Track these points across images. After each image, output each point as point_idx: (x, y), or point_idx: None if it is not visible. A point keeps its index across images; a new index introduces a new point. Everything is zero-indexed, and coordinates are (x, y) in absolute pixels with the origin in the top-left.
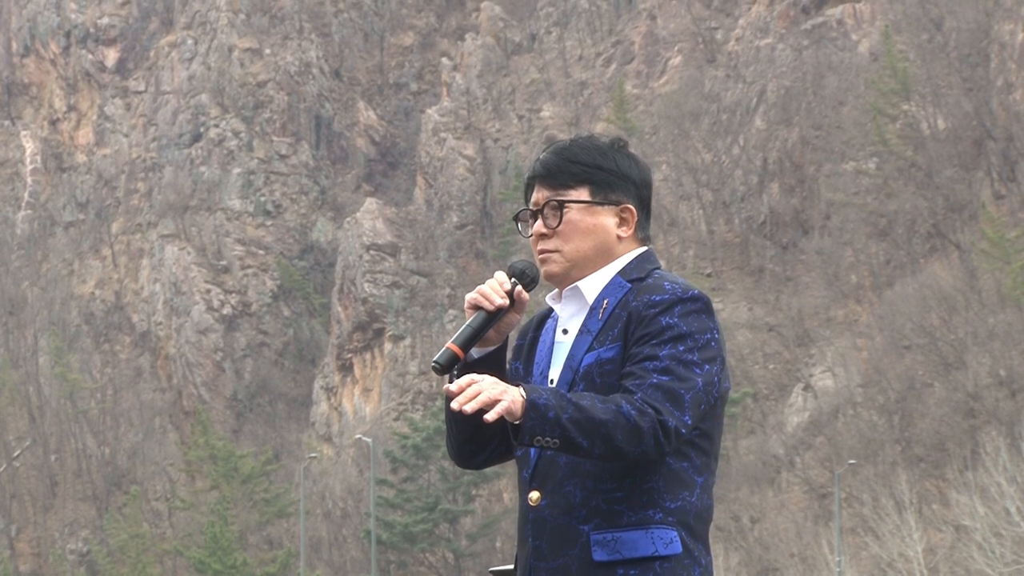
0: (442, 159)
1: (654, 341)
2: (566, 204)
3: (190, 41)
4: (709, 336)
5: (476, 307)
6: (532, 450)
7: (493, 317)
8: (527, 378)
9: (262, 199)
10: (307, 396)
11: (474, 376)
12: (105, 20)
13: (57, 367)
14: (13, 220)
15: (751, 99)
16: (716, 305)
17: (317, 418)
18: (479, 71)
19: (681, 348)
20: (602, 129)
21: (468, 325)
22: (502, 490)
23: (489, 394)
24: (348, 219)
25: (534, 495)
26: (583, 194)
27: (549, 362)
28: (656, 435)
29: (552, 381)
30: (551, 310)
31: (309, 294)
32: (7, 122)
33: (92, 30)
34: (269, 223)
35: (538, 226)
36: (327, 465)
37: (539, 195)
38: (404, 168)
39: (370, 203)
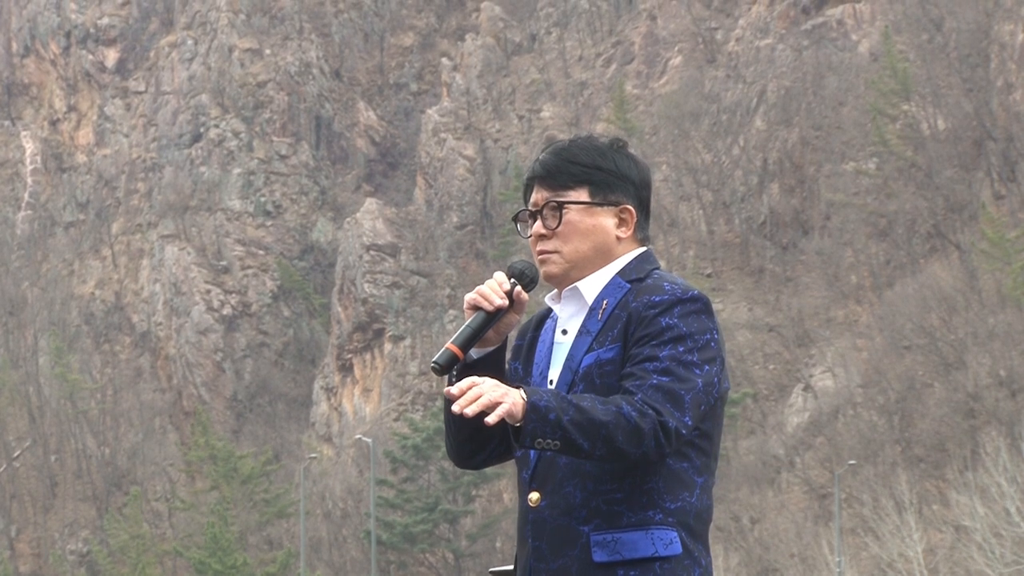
0: (442, 159)
1: (654, 342)
2: (565, 205)
3: (190, 41)
4: (709, 337)
5: (475, 307)
6: (532, 451)
7: (492, 318)
8: (526, 379)
9: (262, 199)
10: (307, 396)
11: (475, 379)
12: (105, 20)
13: (57, 367)
14: (13, 220)
15: (751, 99)
16: (716, 305)
17: (317, 418)
18: (479, 71)
19: (681, 349)
20: (602, 129)
21: (467, 326)
22: (502, 490)
23: (490, 397)
24: (348, 219)
25: (534, 496)
26: (582, 195)
27: (548, 363)
28: (657, 436)
29: (551, 382)
30: (550, 310)
31: (309, 294)
32: (7, 122)
33: (92, 30)
34: (269, 223)
35: (537, 227)
36: (327, 465)
37: (538, 196)
38: (404, 168)
39: (370, 203)
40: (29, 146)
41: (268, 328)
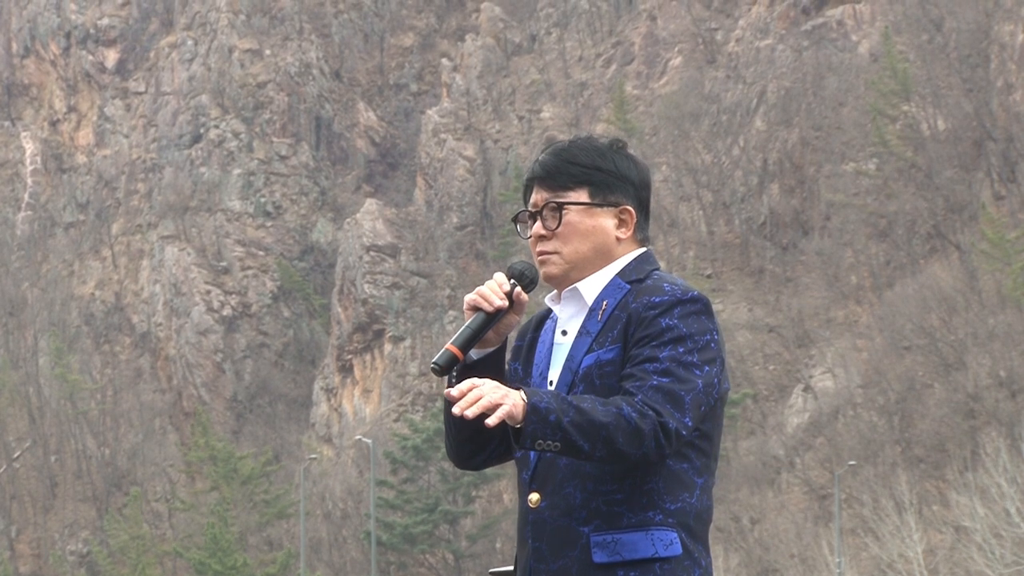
0: (442, 160)
1: (654, 343)
2: (565, 206)
3: (190, 42)
4: (709, 337)
5: (475, 308)
6: (532, 452)
7: (492, 318)
8: (526, 379)
9: (262, 200)
10: (307, 397)
11: (475, 380)
12: (105, 21)
13: (57, 368)
14: (13, 221)
15: (751, 100)
16: (716, 306)
17: (317, 419)
18: (479, 72)
19: (681, 350)
20: (602, 130)
21: (467, 326)
22: (502, 491)
23: (490, 398)
24: (348, 220)
25: (534, 497)
26: (582, 196)
27: (548, 363)
28: (657, 437)
29: (551, 382)
30: (550, 311)
31: (309, 295)
32: (7, 123)
33: (92, 31)
34: (269, 224)
35: (537, 228)
36: (327, 466)
37: (538, 196)
38: (404, 169)
39: (370, 204)
40: (29, 147)
41: (268, 329)
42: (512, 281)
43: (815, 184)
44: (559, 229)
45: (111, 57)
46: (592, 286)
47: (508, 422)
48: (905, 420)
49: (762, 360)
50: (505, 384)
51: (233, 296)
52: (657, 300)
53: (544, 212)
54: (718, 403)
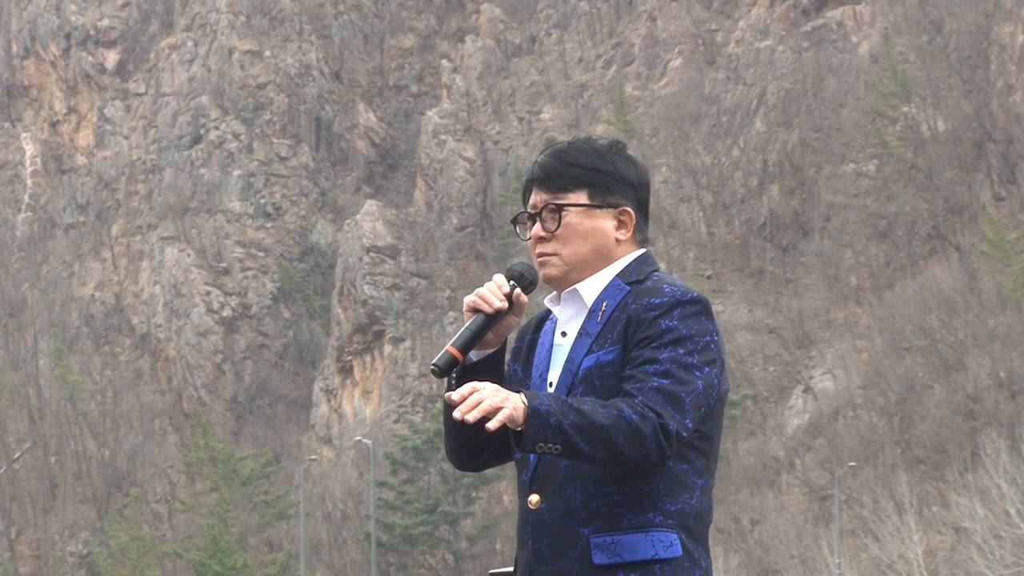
0: (442, 161)
1: (654, 344)
2: (564, 207)
3: (190, 43)
4: (709, 339)
5: (474, 310)
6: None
7: (492, 320)
8: (525, 380)
9: (262, 201)
10: (307, 398)
11: (475, 384)
12: (105, 22)
13: (57, 369)
14: (13, 222)
15: (751, 101)
16: (716, 307)
17: (317, 420)
18: (479, 73)
19: (681, 351)
20: (602, 131)
21: (467, 328)
22: (502, 492)
23: (491, 402)
24: (348, 221)
25: (534, 498)
26: (581, 197)
27: (548, 365)
28: (658, 439)
29: (551, 384)
30: (549, 312)
31: (309, 296)
32: (7, 124)
33: (92, 32)
34: (269, 225)
35: (536, 229)
36: (327, 467)
37: (537, 198)
38: (404, 170)
39: (370, 205)
40: (29, 148)
41: (268, 330)
42: (511, 283)
43: (815, 185)
44: (558, 231)
45: (111, 58)
46: (592, 287)
47: (509, 425)
48: (905, 421)
49: (762, 361)
50: (504, 386)
51: (233, 297)
52: (657, 301)
53: (543, 214)
54: (718, 404)
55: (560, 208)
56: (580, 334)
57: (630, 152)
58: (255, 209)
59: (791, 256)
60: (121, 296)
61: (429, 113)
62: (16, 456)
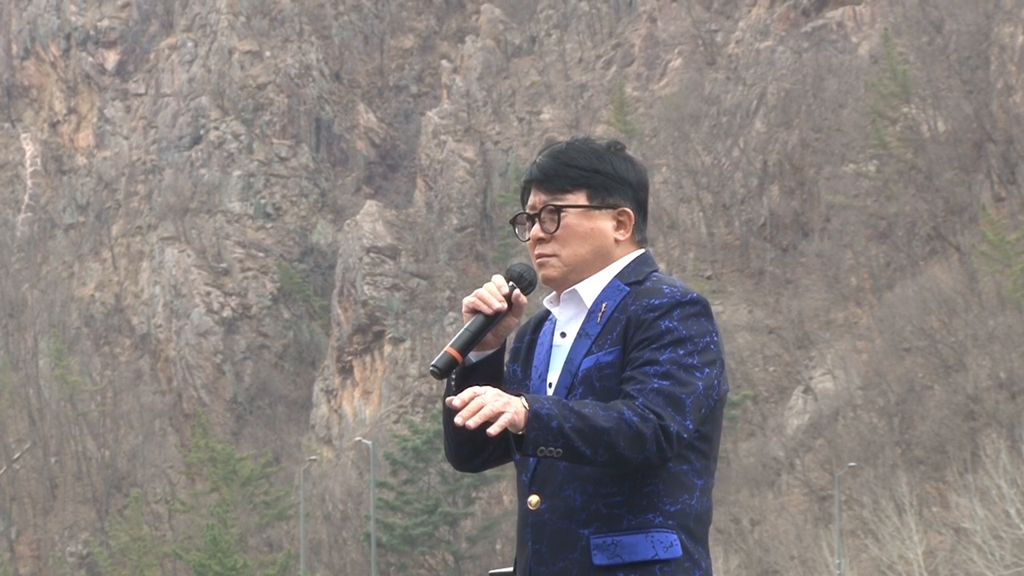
0: (442, 162)
1: (654, 345)
2: (563, 208)
3: (190, 43)
4: (708, 339)
5: (474, 311)
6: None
7: (491, 321)
8: (525, 381)
9: (262, 201)
10: (307, 399)
11: (476, 389)
12: (105, 23)
13: (57, 369)
14: (13, 222)
15: (751, 101)
16: (716, 308)
17: (317, 420)
18: (479, 74)
19: (681, 352)
20: (602, 132)
21: (466, 329)
22: (502, 493)
23: (492, 407)
24: (348, 221)
25: (534, 499)
26: (580, 198)
27: (547, 366)
28: (658, 440)
29: (550, 385)
30: (548, 313)
31: (309, 296)
32: (7, 125)
33: (92, 32)
34: (269, 225)
35: (535, 230)
36: (327, 468)
37: (536, 199)
38: (404, 170)
39: (370, 205)
40: (29, 148)
41: (268, 330)
42: (511, 283)
43: (815, 186)
44: (557, 232)
45: (111, 59)
46: (591, 288)
47: (510, 429)
48: (905, 422)
49: (762, 362)
50: (504, 387)
51: (233, 298)
52: (656, 302)
53: (542, 215)
54: (718, 405)
55: (559, 209)
56: (579, 335)
57: (630, 153)
58: (255, 209)
59: (791, 256)
60: (121, 296)
61: (429, 114)
62: (16, 456)
